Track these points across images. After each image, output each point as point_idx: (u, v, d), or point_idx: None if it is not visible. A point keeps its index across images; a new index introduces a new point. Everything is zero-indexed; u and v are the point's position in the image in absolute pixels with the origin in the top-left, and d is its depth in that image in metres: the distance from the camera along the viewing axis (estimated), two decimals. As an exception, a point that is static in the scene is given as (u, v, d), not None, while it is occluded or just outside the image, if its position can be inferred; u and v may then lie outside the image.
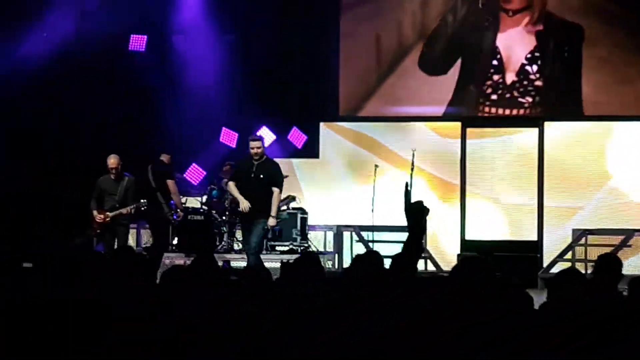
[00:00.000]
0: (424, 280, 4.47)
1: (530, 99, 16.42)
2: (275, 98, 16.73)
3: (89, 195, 13.45)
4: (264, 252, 14.97)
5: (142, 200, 13.32)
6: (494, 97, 16.54)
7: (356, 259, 5.47)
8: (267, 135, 16.74)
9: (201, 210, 15.32)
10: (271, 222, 12.34)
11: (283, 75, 16.82)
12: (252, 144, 12.56)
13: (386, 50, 17.03)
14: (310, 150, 17.09)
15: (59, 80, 16.20)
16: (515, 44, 16.46)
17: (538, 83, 16.39)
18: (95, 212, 13.32)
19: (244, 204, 12.27)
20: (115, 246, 13.21)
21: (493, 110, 16.55)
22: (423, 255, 15.34)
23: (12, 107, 16.01)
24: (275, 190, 12.38)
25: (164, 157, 14.03)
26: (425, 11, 16.93)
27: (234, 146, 16.89)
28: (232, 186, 12.72)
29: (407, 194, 4.46)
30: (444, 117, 16.79)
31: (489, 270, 4.15)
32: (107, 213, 13.26)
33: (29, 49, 15.98)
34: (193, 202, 15.90)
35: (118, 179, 13.34)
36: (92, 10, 16.53)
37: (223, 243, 15.26)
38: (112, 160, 13.28)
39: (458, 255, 15.76)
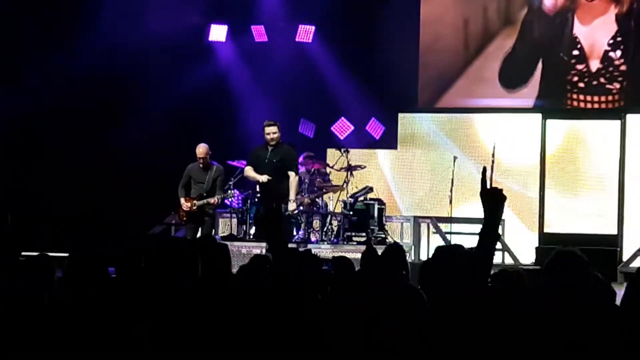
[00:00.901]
0: (514, 273, 4.45)
1: (617, 85, 16.22)
2: (353, 89, 16.72)
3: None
4: (341, 242, 14.99)
5: (229, 191, 13.40)
6: (581, 85, 16.38)
7: (437, 251, 5.46)
8: (344, 126, 16.74)
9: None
10: (291, 206, 12.35)
11: (361, 66, 16.79)
12: (268, 129, 12.58)
13: (471, 37, 16.92)
14: (389, 141, 17.06)
15: (139, 72, 16.37)
16: (596, 30, 16.25)
17: (623, 68, 16.19)
18: (182, 200, 13.43)
19: (263, 177, 12.30)
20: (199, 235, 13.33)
21: (581, 97, 16.38)
22: (500, 247, 15.23)
23: (94, 100, 16.24)
24: (291, 174, 12.36)
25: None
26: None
27: (311, 136, 16.93)
28: (248, 170, 12.78)
29: (484, 178, 4.42)
30: (524, 109, 16.65)
31: (584, 265, 4.09)
32: (194, 201, 13.37)
33: (108, 41, 16.18)
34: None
35: (206, 168, 13.46)
36: (170, 1, 16.70)
37: (300, 234, 15.29)
38: (200, 150, 13.40)
39: (536, 248, 15.60)
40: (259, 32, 17.27)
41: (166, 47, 16.46)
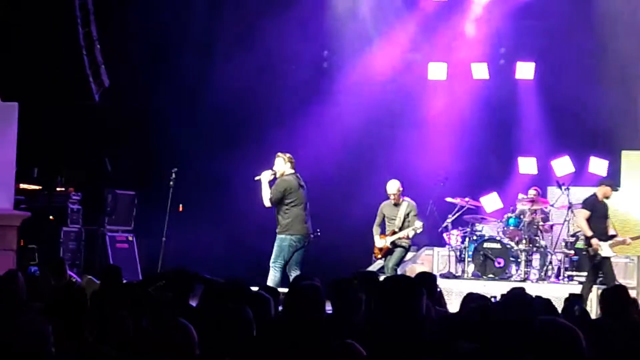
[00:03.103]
0: None
1: None
2: (573, 125, 16.43)
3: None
4: (563, 280, 14.73)
5: (417, 223, 13.45)
6: None
7: None
8: (567, 166, 16.33)
9: (497, 238, 15.27)
10: None
11: (578, 103, 16.44)
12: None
13: None
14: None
15: (360, 110, 16.81)
16: None
17: None
18: (376, 238, 13.68)
19: None
20: (391, 264, 13.48)
21: None
22: None
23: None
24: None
25: (598, 190, 13.92)
26: None
27: (535, 172, 16.69)
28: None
29: None
30: None
31: None
32: (387, 238, 13.57)
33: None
34: (489, 230, 15.87)
35: (397, 204, 13.60)
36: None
37: (519, 271, 15.11)
38: (389, 187, 13.57)
39: None
40: (479, 70, 17.25)
41: (386, 85, 16.86)
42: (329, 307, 6.36)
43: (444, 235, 15.57)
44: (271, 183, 12.63)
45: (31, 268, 11.47)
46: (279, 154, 12.78)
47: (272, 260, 12.42)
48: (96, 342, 4.90)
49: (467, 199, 15.48)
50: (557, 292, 13.30)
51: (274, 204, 12.53)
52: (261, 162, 15.08)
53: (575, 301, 6.72)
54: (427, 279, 7.37)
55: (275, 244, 12.50)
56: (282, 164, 12.66)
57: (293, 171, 12.64)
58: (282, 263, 12.37)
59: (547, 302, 6.27)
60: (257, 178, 12.62)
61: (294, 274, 12.16)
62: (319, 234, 12.97)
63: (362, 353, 4.44)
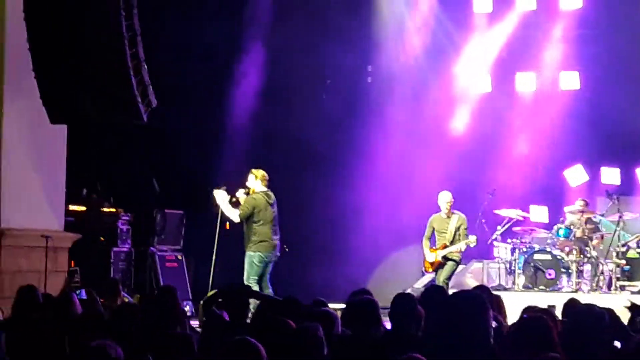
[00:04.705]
0: None
1: None
2: (619, 137, 16.27)
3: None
4: (616, 291, 14.57)
5: (469, 237, 13.38)
6: None
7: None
8: (614, 176, 16.17)
9: (547, 249, 15.14)
10: None
11: (623, 113, 16.27)
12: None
13: None
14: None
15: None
16: None
17: None
18: (427, 251, 13.60)
19: None
20: (442, 277, 13.40)
21: None
22: None
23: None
24: None
25: None
26: None
27: (586, 178, 16.57)
28: None
29: None
30: None
31: None
32: (438, 252, 13.49)
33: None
34: (538, 241, 15.74)
35: (448, 216, 13.52)
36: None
37: (570, 283, 14.98)
38: (442, 197, 13.50)
39: None
40: (524, 81, 17.18)
41: (432, 98, 16.89)
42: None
43: (495, 245, 15.47)
44: None
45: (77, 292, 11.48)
46: (252, 170, 12.91)
47: (245, 278, 12.56)
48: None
49: (517, 211, 15.35)
50: (609, 303, 13.15)
51: (242, 219, 12.69)
52: (308, 178, 15.18)
53: (638, 312, 6.62)
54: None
55: (246, 261, 12.66)
56: (253, 181, 12.80)
57: (265, 189, 12.73)
58: (256, 278, 12.54)
59: (613, 314, 6.18)
60: (234, 200, 12.77)
61: (265, 289, 12.40)
62: (286, 250, 13.04)
63: None
